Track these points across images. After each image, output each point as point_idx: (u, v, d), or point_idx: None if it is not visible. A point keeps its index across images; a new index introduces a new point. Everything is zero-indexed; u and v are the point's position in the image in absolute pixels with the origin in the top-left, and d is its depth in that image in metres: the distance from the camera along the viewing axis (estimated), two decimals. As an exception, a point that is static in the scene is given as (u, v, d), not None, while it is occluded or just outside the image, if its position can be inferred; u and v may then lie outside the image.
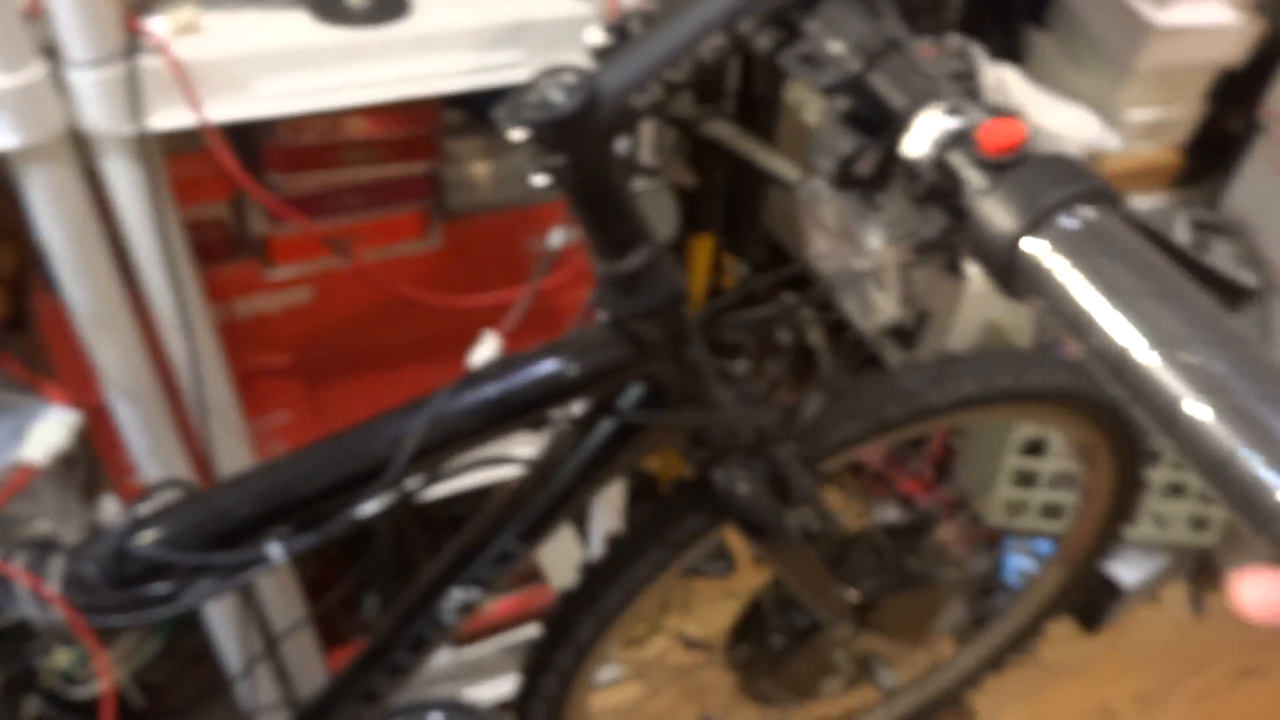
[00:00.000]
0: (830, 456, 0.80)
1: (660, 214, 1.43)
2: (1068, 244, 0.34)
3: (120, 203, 0.69)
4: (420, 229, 0.85)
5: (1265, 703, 1.40)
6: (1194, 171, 1.39)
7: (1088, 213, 0.34)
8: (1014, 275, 0.36)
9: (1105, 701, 1.40)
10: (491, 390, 0.63)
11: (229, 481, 0.61)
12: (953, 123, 0.40)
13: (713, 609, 1.45)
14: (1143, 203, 1.33)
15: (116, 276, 0.73)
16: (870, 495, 1.52)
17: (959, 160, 0.39)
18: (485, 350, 0.67)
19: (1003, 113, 0.38)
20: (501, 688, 1.22)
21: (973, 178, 0.37)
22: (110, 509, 0.63)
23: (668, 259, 0.60)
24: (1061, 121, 1.16)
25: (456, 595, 0.72)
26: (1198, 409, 0.29)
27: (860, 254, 0.50)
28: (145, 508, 0.59)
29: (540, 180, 0.53)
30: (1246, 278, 0.43)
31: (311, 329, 0.87)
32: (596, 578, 0.82)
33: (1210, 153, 1.39)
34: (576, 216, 0.56)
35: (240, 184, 0.70)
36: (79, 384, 0.80)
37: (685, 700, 1.34)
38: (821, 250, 0.52)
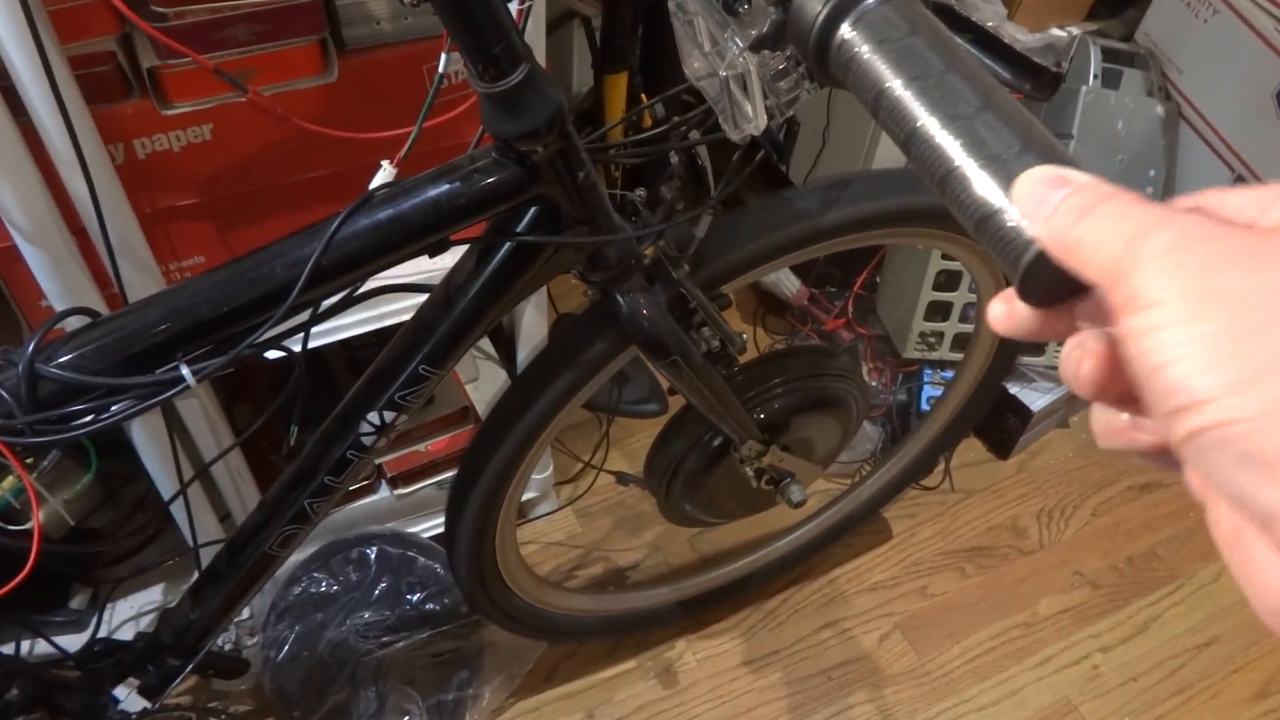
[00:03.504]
0: (728, 279, 0.84)
1: (574, 52, 1.41)
2: (867, 26, 0.36)
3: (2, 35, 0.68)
4: (317, 63, 0.84)
5: (1155, 512, 1.51)
6: (1110, 3, 1.40)
7: (887, -5, 0.36)
8: (826, 60, 0.38)
9: (1013, 519, 1.50)
10: (385, 213, 0.65)
11: (133, 306, 0.63)
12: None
13: (646, 448, 1.52)
14: (1058, 34, 1.34)
15: (7, 114, 0.73)
16: (795, 334, 1.58)
17: (783, -46, 0.40)
18: (382, 178, 0.68)
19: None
20: (437, 525, 1.29)
21: (790, -31, 0.39)
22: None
23: (547, 76, 0.61)
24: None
25: (374, 419, 0.76)
26: (969, 171, 0.32)
27: (724, 64, 0.52)
28: (52, 332, 0.61)
29: (408, -4, 0.53)
30: (1048, 63, 0.45)
31: (215, 168, 0.87)
32: (510, 404, 0.86)
33: (1126, -17, 1.40)
34: (451, 35, 0.57)
35: (122, 12, 0.69)
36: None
37: (620, 529, 1.42)
38: (697, 67, 0.54)
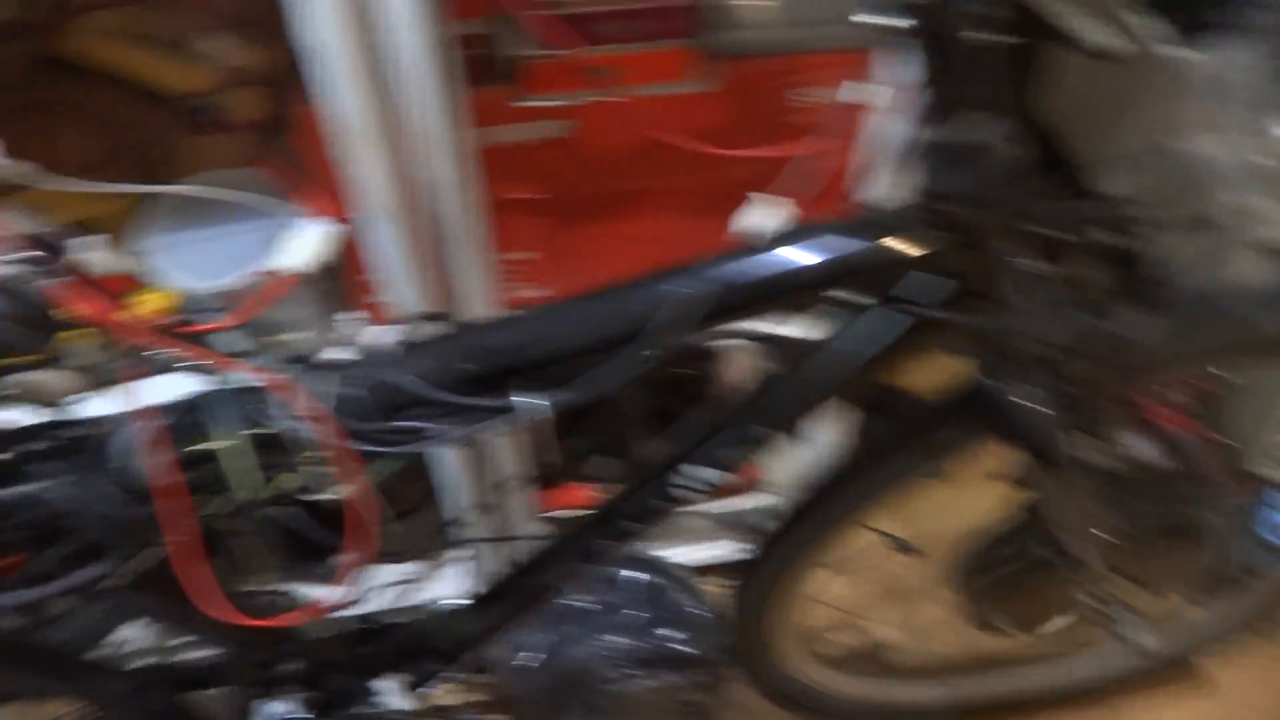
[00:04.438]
0: (1133, 381, 0.70)
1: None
2: None
3: (393, 8, 0.65)
4: (686, 67, 0.77)
5: None
6: None
7: None
8: None
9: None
10: (767, 264, 0.57)
11: (492, 324, 0.59)
12: None
13: (920, 511, 1.38)
14: None
15: (380, 89, 0.70)
16: (1125, 426, 1.38)
17: None
18: (758, 216, 0.60)
19: None
20: (709, 552, 1.22)
21: None
22: (371, 331, 0.62)
23: (1006, 131, 0.50)
24: None
25: (692, 472, 0.68)
26: None
27: (1260, 148, 0.39)
28: (412, 338, 0.58)
29: (891, 22, 0.44)
30: None
31: (564, 165, 0.83)
32: (838, 473, 0.77)
33: None
34: (920, 68, 0.47)
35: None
36: (331, 196, 0.79)
37: (887, 602, 1.30)
38: (1203, 144, 0.41)
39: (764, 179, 0.83)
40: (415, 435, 0.56)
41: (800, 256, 0.56)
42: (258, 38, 0.81)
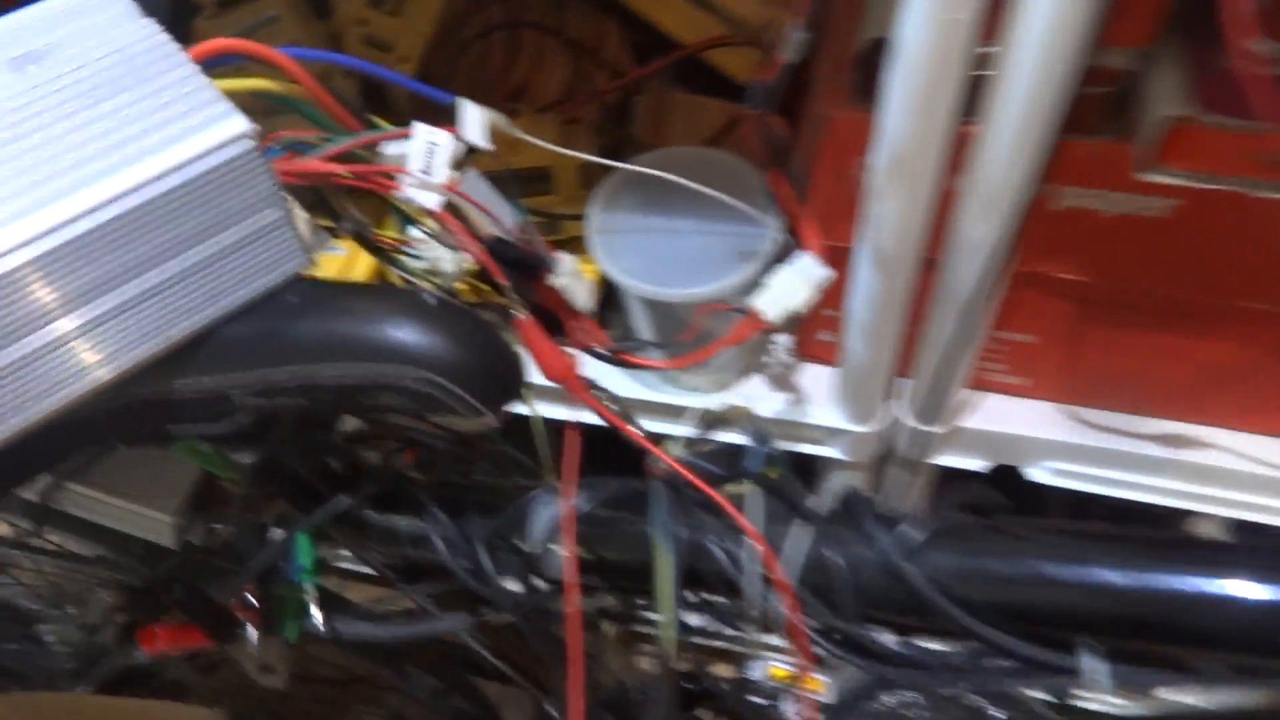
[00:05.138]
0: None
1: None
2: None
3: (1038, 15, 0.45)
4: None
5: None
6: None
7: None
8: None
9: None
10: None
11: (1049, 538, 0.40)
12: None
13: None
14: None
15: (958, 112, 0.51)
16: None
17: None
18: None
19: None
20: None
21: None
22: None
23: None
24: None
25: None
26: None
27: None
28: (943, 515, 0.40)
29: None
30: None
31: (1140, 252, 0.60)
32: None
33: None
34: None
35: (1231, 28, 0.42)
36: (826, 216, 0.63)
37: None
38: None
39: None
40: (903, 663, 0.39)
41: None
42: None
